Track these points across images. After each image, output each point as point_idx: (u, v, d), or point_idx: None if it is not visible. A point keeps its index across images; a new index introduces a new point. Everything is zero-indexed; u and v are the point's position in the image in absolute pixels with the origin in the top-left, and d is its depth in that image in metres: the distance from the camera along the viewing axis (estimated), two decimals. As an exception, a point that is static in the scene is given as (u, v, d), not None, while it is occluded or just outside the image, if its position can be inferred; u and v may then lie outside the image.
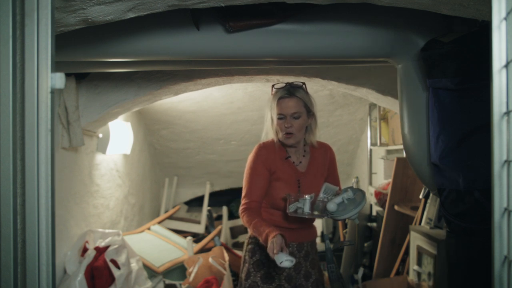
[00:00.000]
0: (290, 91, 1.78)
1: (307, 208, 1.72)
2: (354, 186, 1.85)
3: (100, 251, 2.61)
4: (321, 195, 1.77)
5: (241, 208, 1.84)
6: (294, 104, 1.77)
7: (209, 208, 4.51)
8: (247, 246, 1.95)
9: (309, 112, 1.82)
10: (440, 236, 2.31)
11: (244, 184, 1.87)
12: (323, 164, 1.94)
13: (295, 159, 1.90)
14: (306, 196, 1.74)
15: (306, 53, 1.80)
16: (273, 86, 1.84)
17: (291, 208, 1.73)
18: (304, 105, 1.79)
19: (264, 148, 1.87)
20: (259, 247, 1.89)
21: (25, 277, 0.74)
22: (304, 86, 1.83)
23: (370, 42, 1.74)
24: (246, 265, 1.92)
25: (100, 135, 3.10)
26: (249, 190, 1.84)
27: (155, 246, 3.49)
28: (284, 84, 1.83)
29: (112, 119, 2.98)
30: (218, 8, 1.55)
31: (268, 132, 1.87)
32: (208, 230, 4.39)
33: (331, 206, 1.65)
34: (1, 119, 0.73)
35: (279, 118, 1.79)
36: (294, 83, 1.83)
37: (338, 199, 1.68)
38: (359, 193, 1.70)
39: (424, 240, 2.48)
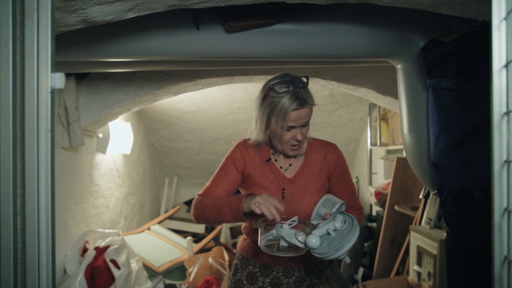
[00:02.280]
0: (301, 99, 1.44)
1: (284, 241, 1.35)
2: (343, 209, 1.51)
3: (100, 251, 2.61)
4: (315, 213, 1.46)
5: (193, 202, 1.56)
6: (306, 113, 1.46)
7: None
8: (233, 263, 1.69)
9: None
10: (440, 236, 2.31)
11: (210, 179, 1.61)
12: (321, 169, 1.57)
13: (283, 162, 1.58)
14: (283, 224, 1.35)
15: (306, 53, 1.80)
16: (271, 87, 1.46)
17: (262, 240, 1.37)
18: (311, 108, 1.53)
19: (244, 147, 1.59)
20: (241, 265, 1.65)
21: (25, 277, 0.73)
22: (307, 79, 1.51)
23: (370, 42, 1.74)
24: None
25: (100, 135, 3.10)
26: (210, 187, 1.57)
27: (155, 246, 3.49)
28: (289, 88, 1.44)
29: (112, 119, 2.98)
30: (218, 8, 1.55)
31: (258, 138, 1.54)
32: (208, 230, 4.39)
33: (312, 241, 1.29)
34: (1, 119, 0.73)
35: (288, 130, 1.47)
36: (299, 82, 1.46)
37: (321, 230, 1.33)
38: (349, 221, 1.34)
39: (424, 240, 2.48)
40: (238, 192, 1.62)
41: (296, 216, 1.39)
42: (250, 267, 1.63)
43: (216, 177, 1.58)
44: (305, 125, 1.49)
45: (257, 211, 1.32)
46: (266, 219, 1.36)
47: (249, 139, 1.59)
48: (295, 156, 1.59)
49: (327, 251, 1.27)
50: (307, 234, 1.33)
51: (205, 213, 1.47)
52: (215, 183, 1.56)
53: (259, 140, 1.55)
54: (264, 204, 1.33)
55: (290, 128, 1.47)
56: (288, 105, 1.43)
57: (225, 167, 1.58)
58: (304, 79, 1.49)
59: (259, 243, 1.38)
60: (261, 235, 1.38)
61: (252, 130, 1.56)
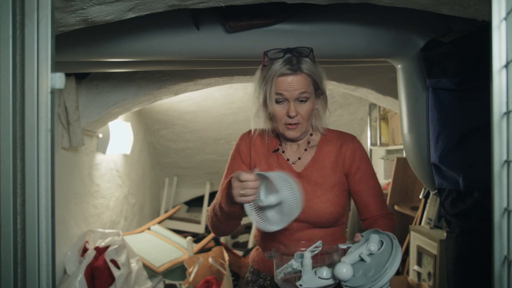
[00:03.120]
0: (295, 65, 1.26)
1: (307, 275, 1.07)
2: None
3: (100, 251, 2.61)
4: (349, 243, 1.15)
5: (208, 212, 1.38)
6: (301, 82, 1.26)
7: (209, 208, 4.50)
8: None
9: (318, 90, 1.33)
10: (440, 236, 2.31)
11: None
12: (336, 163, 1.34)
13: (291, 155, 1.39)
14: (304, 253, 1.08)
15: (306, 53, 1.80)
16: (265, 53, 1.30)
17: (279, 275, 1.11)
18: (312, 82, 1.30)
19: (248, 137, 1.42)
20: (251, 278, 1.44)
21: (25, 277, 0.73)
22: (311, 53, 1.31)
23: (370, 42, 1.74)
24: None
25: (100, 135, 3.10)
26: (220, 189, 1.37)
27: (155, 246, 3.49)
28: (282, 50, 1.28)
29: (112, 119, 2.98)
30: (218, 8, 1.55)
31: (259, 121, 1.38)
32: (208, 230, 4.39)
33: (343, 272, 1.03)
34: (1, 119, 0.73)
35: (278, 102, 1.28)
36: (299, 48, 1.29)
37: (352, 257, 1.07)
38: (387, 241, 1.07)
39: (424, 240, 2.48)
40: None
41: (320, 241, 1.14)
42: (260, 279, 1.41)
43: (224, 177, 1.40)
44: (303, 99, 1.28)
45: (238, 199, 1.13)
46: (281, 246, 1.19)
47: (249, 130, 1.45)
48: (305, 149, 1.38)
49: (363, 283, 1.01)
50: (334, 263, 1.07)
51: (216, 220, 1.32)
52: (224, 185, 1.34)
53: (258, 123, 1.38)
54: (235, 190, 1.13)
55: (282, 100, 1.28)
56: (277, 69, 1.26)
57: (232, 164, 1.42)
58: (306, 49, 1.30)
59: (275, 278, 1.14)
60: (277, 268, 1.13)
61: (253, 120, 1.39)
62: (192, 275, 3.02)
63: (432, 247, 2.38)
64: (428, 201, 2.67)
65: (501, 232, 0.72)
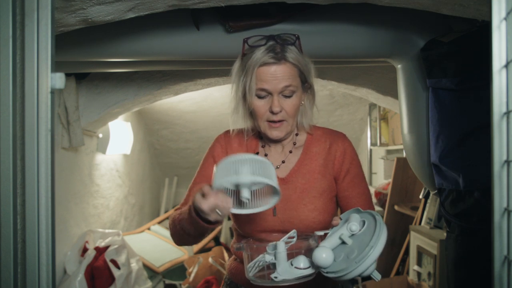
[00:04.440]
0: (279, 53, 1.09)
1: (282, 266, 0.95)
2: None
3: (100, 251, 2.61)
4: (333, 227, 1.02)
5: (169, 218, 1.21)
6: (286, 73, 1.10)
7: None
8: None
9: (305, 83, 1.17)
10: (440, 236, 2.31)
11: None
12: (324, 166, 1.19)
13: (274, 158, 1.22)
14: (278, 242, 0.96)
15: (306, 53, 1.79)
16: (245, 40, 1.16)
17: (251, 270, 0.99)
18: (299, 73, 1.14)
19: (224, 138, 1.28)
20: None
21: (25, 277, 0.73)
22: (298, 41, 1.15)
23: (370, 42, 1.74)
24: None
25: (100, 135, 3.10)
26: (186, 196, 1.26)
27: (155, 246, 3.50)
28: (265, 37, 1.12)
29: (112, 119, 2.99)
30: (218, 8, 1.55)
31: (237, 118, 1.21)
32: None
33: (322, 257, 0.91)
34: (1, 119, 0.73)
35: (259, 97, 1.12)
36: (283, 35, 1.13)
37: (332, 240, 0.96)
38: (369, 219, 0.97)
39: (424, 240, 2.48)
40: None
41: (294, 230, 1.01)
42: None
43: (193, 183, 1.26)
44: (288, 95, 1.12)
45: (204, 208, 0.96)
46: (251, 239, 1.07)
47: (226, 131, 1.30)
48: (290, 151, 1.22)
49: (345, 266, 0.89)
50: (311, 251, 0.94)
51: (179, 231, 1.12)
52: (193, 192, 1.19)
53: (236, 120, 1.21)
54: (208, 216, 0.97)
55: (264, 95, 1.11)
56: (258, 58, 1.09)
57: (203, 168, 1.27)
58: (292, 36, 1.13)
59: (246, 274, 0.99)
60: (248, 262, 0.99)
61: (232, 117, 1.22)
62: (192, 275, 3.02)
63: (432, 247, 2.38)
64: (428, 201, 2.67)
65: (501, 232, 0.72)
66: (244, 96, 1.16)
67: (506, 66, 0.72)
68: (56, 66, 0.75)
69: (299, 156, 1.22)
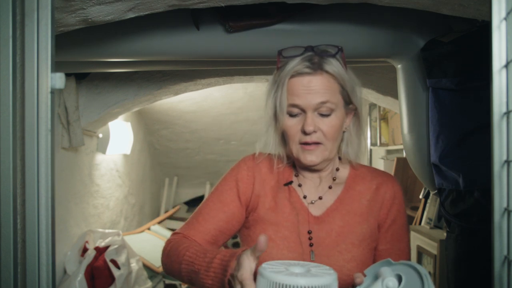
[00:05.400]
0: (315, 63, 0.95)
1: None
2: None
3: (100, 251, 2.61)
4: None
5: (166, 241, 1.03)
6: (323, 86, 0.94)
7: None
8: None
9: (348, 104, 1.01)
10: (440, 236, 2.31)
11: (196, 210, 1.07)
12: (369, 208, 1.01)
13: (310, 191, 1.03)
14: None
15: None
16: (280, 52, 0.99)
17: None
18: (340, 90, 0.98)
19: (253, 163, 1.05)
20: None
21: (25, 277, 0.73)
22: (340, 52, 1.00)
23: (370, 42, 1.74)
24: None
25: (100, 135, 3.10)
26: (194, 222, 1.02)
27: (155, 246, 3.49)
28: (302, 47, 0.97)
29: (112, 119, 2.99)
30: (218, 8, 1.55)
31: (269, 140, 1.02)
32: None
33: None
34: (1, 119, 0.73)
35: (291, 115, 0.96)
36: (322, 46, 0.99)
37: None
38: (408, 273, 0.79)
39: (424, 240, 2.48)
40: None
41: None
42: None
43: (205, 207, 1.04)
44: (326, 113, 0.94)
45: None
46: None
47: (256, 153, 1.08)
48: (330, 186, 1.03)
49: None
50: None
51: (179, 266, 0.93)
52: (203, 218, 1.02)
53: (269, 144, 1.02)
54: (245, 279, 0.76)
55: (296, 112, 0.95)
56: (291, 68, 0.94)
57: (222, 193, 1.04)
58: (334, 48, 0.98)
59: None
60: None
61: (264, 138, 1.03)
62: (192, 275, 3.02)
63: (432, 247, 2.38)
64: (428, 201, 2.67)
65: (501, 232, 0.72)
66: (275, 115, 0.99)
67: (506, 66, 0.72)
68: (56, 66, 0.75)
69: (339, 193, 1.03)
